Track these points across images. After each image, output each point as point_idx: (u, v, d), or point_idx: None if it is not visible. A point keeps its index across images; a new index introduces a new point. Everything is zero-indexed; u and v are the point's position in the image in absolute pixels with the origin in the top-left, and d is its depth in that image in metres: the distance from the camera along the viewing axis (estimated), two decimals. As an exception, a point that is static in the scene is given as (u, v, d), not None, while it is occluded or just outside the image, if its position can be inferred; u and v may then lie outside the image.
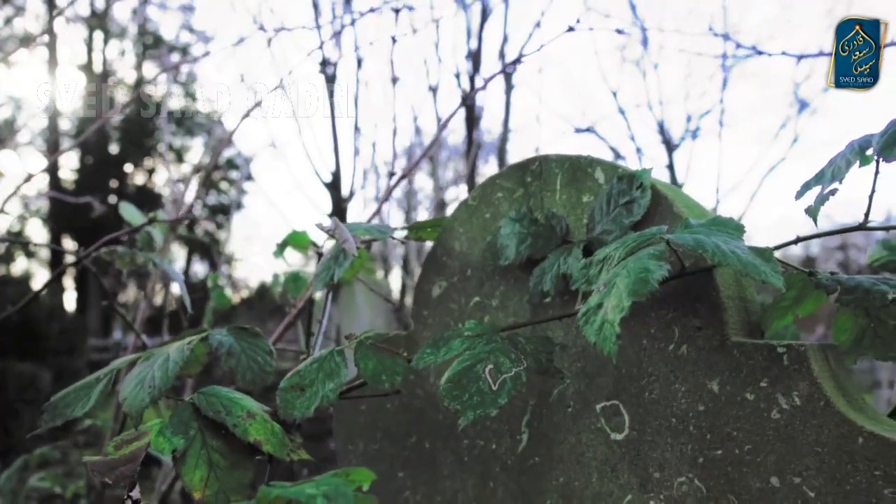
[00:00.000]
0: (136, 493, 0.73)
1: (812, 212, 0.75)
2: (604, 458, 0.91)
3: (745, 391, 0.81)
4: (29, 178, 1.67)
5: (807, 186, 0.77)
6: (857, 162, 0.73)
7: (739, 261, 0.68)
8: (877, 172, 0.77)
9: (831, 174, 0.75)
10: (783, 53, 1.39)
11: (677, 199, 0.91)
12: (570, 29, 1.60)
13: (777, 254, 0.80)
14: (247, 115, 2.23)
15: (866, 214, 0.81)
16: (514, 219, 1.01)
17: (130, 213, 1.92)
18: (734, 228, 0.74)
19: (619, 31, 1.74)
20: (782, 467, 0.78)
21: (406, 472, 1.13)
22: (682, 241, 0.72)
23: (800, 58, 1.42)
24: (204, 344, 1.05)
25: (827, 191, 0.75)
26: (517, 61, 1.61)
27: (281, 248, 1.64)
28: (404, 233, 1.24)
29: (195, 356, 1.16)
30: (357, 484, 0.58)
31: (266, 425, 0.81)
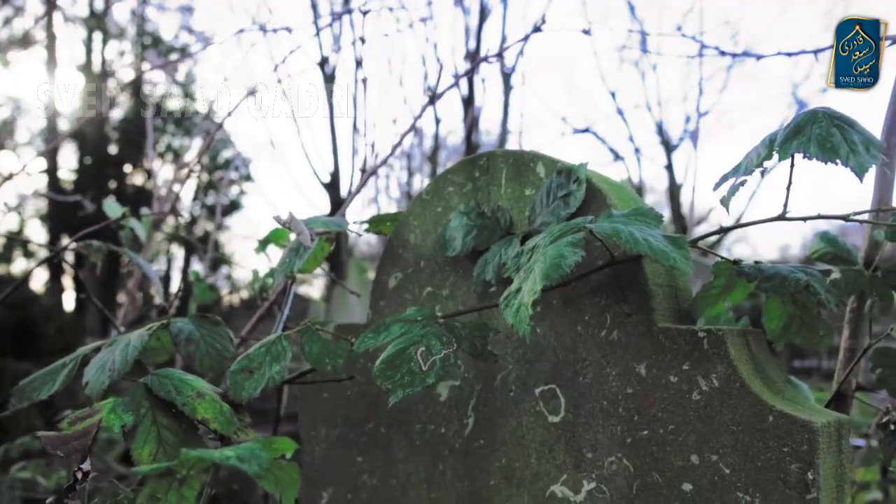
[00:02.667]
0: (86, 465, 0.77)
1: (724, 201, 0.80)
2: (542, 439, 0.95)
3: (670, 374, 0.85)
4: (10, 176, 1.71)
5: (724, 178, 0.81)
6: (767, 155, 0.77)
7: (650, 247, 0.72)
8: (792, 166, 0.82)
9: (745, 167, 0.79)
10: (745, 54, 1.41)
11: (612, 192, 0.95)
12: (538, 30, 1.65)
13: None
14: (232, 113, 2.28)
15: (784, 205, 0.85)
16: (462, 212, 1.05)
17: (112, 209, 1.96)
18: (653, 218, 0.79)
19: (586, 32, 1.78)
20: (701, 445, 0.82)
21: (364, 456, 1.18)
22: (602, 229, 0.76)
23: (759, 58, 1.46)
24: (169, 332, 1.10)
25: (738, 181, 0.79)
26: (485, 60, 1.65)
27: (262, 244, 1.68)
28: (365, 227, 1.28)
29: (161, 344, 1.20)
30: (280, 452, 0.62)
31: (215, 405, 0.86)
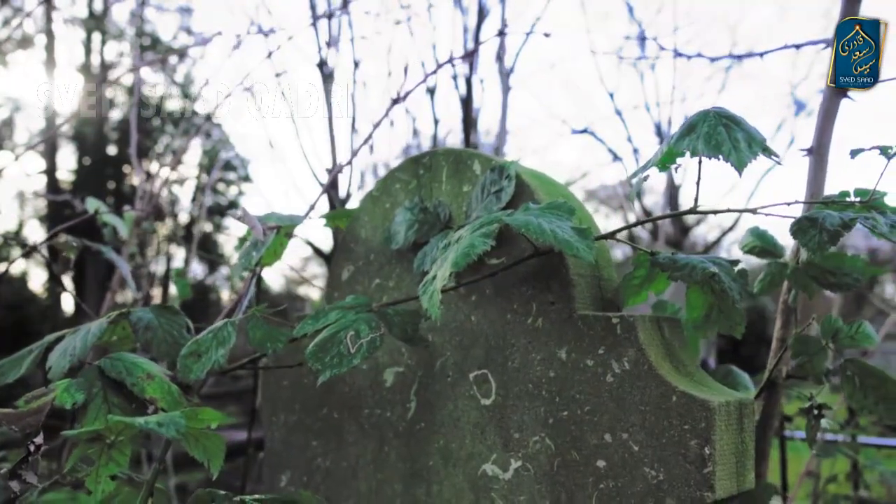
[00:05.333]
0: (39, 439, 0.83)
1: (630, 195, 0.86)
2: (475, 421, 1.01)
3: (587, 358, 0.91)
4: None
5: (636, 173, 0.87)
6: (670, 151, 0.83)
7: (556, 237, 0.78)
8: (700, 162, 0.87)
9: (650, 163, 0.85)
10: (699, 55, 1.48)
11: (541, 187, 1.01)
12: (502, 33, 1.70)
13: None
14: (221, 107, 2.34)
15: (696, 199, 0.91)
16: (407, 207, 1.11)
17: (94, 205, 2.03)
18: (565, 211, 0.85)
19: (546, 35, 1.83)
20: (614, 425, 0.88)
21: (318, 440, 1.24)
22: (515, 221, 0.82)
23: (713, 59, 1.50)
24: (129, 321, 1.16)
25: (642, 176, 0.85)
26: (449, 62, 1.71)
27: (242, 242, 1.74)
28: (323, 222, 1.34)
29: (127, 334, 1.26)
30: (206, 423, 0.68)
31: (163, 385, 0.92)
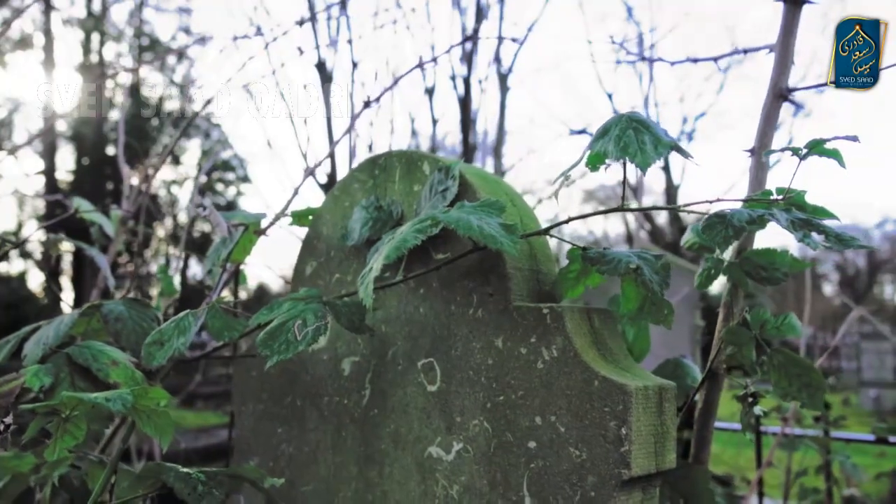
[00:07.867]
0: (8, 419, 0.90)
1: (554, 193, 0.92)
2: (422, 407, 1.08)
3: (521, 346, 0.97)
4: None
5: (563, 174, 0.94)
6: (594, 154, 0.89)
7: (481, 232, 0.85)
8: (624, 165, 0.94)
9: (573, 165, 0.91)
10: (660, 59, 1.54)
11: (484, 186, 1.07)
12: (471, 38, 1.76)
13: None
14: (211, 103, 2.41)
15: (623, 198, 0.97)
16: (363, 206, 1.17)
17: (77, 204, 2.10)
18: (496, 208, 0.91)
19: (514, 40, 1.88)
20: (544, 408, 0.94)
21: (283, 427, 1.30)
22: (448, 218, 0.89)
23: (673, 63, 1.57)
24: (101, 312, 1.22)
25: (563, 177, 0.91)
26: (421, 66, 1.77)
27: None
28: (290, 220, 1.41)
29: (101, 326, 1.32)
30: (156, 401, 0.75)
31: (127, 371, 0.98)
